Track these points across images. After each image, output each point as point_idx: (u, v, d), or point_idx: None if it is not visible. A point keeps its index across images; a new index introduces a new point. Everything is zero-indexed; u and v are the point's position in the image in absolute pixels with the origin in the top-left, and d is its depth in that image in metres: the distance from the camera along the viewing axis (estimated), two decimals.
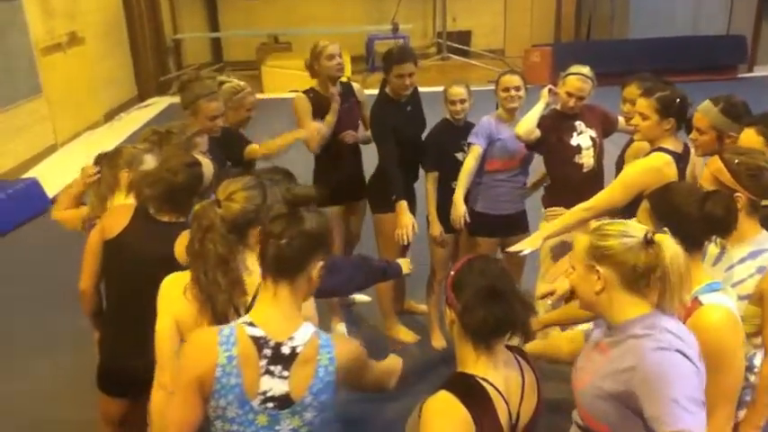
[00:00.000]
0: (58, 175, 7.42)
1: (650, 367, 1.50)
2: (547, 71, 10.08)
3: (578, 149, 3.45)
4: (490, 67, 11.86)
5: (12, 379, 3.81)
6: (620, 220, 1.70)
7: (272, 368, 1.57)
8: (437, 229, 3.67)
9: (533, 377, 1.66)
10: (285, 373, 1.57)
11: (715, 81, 10.51)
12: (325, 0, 12.92)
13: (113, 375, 2.40)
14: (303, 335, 1.61)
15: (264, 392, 1.58)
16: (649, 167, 2.76)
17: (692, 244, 1.85)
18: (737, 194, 2.07)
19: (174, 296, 1.82)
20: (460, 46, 12.88)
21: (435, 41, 13.59)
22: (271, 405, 1.58)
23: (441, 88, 3.71)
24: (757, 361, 2.15)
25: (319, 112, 3.69)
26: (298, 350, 1.58)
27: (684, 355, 1.52)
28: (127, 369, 2.25)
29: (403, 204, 3.48)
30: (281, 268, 1.59)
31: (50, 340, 4.09)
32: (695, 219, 1.84)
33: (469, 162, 3.53)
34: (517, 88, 3.54)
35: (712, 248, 2.22)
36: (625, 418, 1.57)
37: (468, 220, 3.51)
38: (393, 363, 1.96)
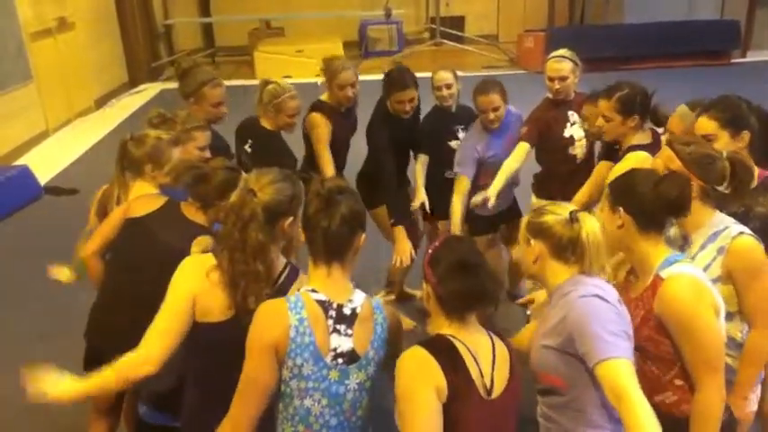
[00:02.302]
0: (50, 161, 7.39)
1: (576, 312, 1.76)
2: (540, 56, 9.91)
3: (571, 141, 3.44)
4: (484, 52, 11.83)
5: (6, 366, 3.80)
6: (556, 203, 1.95)
7: (338, 327, 1.75)
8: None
9: (506, 351, 1.79)
10: (349, 332, 1.76)
11: (709, 66, 10.54)
12: None
13: (102, 359, 2.35)
14: (359, 298, 1.80)
15: (334, 349, 1.75)
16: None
17: (648, 223, 1.93)
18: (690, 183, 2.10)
19: (199, 276, 1.85)
20: (454, 31, 12.80)
21: (428, 27, 13.54)
22: (340, 360, 1.75)
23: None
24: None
25: (333, 127, 3.53)
26: (357, 310, 1.77)
27: (602, 298, 1.77)
28: (117, 353, 2.21)
29: (401, 230, 3.36)
30: (332, 252, 1.77)
31: (42, 329, 4.08)
32: (649, 198, 1.92)
33: (456, 201, 3.40)
34: (496, 109, 3.39)
35: (674, 234, 2.24)
36: (569, 365, 1.79)
37: None
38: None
